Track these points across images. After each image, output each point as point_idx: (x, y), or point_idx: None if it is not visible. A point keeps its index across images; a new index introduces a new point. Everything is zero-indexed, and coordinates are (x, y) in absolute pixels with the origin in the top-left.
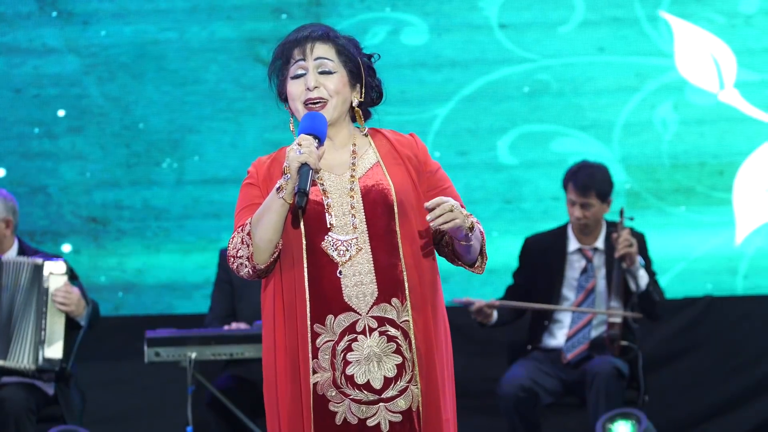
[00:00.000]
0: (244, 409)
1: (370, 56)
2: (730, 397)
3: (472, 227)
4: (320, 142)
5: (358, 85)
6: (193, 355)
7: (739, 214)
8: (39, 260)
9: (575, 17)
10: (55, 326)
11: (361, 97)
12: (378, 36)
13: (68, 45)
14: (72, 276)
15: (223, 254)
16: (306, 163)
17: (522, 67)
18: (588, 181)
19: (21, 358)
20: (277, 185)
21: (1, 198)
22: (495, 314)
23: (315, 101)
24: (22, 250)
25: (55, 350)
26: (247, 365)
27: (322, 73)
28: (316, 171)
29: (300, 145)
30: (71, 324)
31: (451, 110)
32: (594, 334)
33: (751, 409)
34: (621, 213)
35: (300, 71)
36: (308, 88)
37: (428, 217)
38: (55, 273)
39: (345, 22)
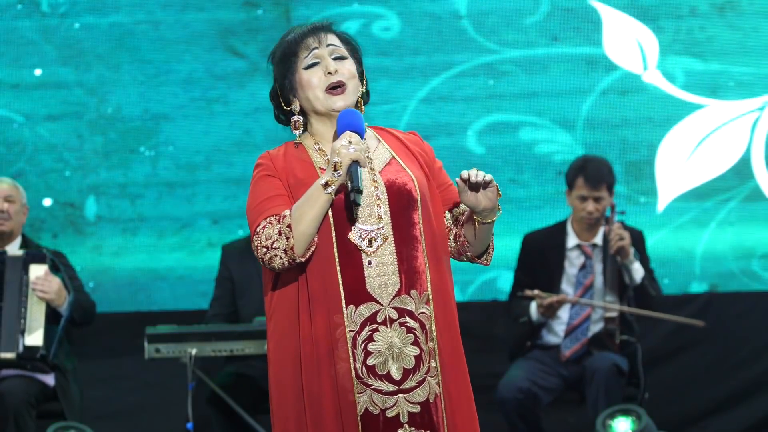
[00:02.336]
0: (245, 405)
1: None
2: (730, 393)
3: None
4: (361, 138)
5: (361, 73)
6: (194, 352)
7: (661, 183)
8: (20, 252)
9: (542, 8)
10: (35, 314)
11: (363, 88)
12: (350, 29)
13: (46, 36)
14: (54, 267)
15: (225, 251)
16: (357, 161)
17: (489, 57)
18: (598, 175)
19: (4, 348)
20: (324, 180)
21: (18, 185)
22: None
23: (336, 85)
24: (25, 243)
25: (35, 338)
26: (247, 361)
27: (336, 58)
28: (365, 167)
29: (350, 142)
30: (55, 314)
31: (419, 102)
32: (592, 330)
33: (751, 406)
34: (612, 208)
35: (315, 60)
36: (330, 72)
37: (469, 176)
38: (36, 263)
39: (315, 17)
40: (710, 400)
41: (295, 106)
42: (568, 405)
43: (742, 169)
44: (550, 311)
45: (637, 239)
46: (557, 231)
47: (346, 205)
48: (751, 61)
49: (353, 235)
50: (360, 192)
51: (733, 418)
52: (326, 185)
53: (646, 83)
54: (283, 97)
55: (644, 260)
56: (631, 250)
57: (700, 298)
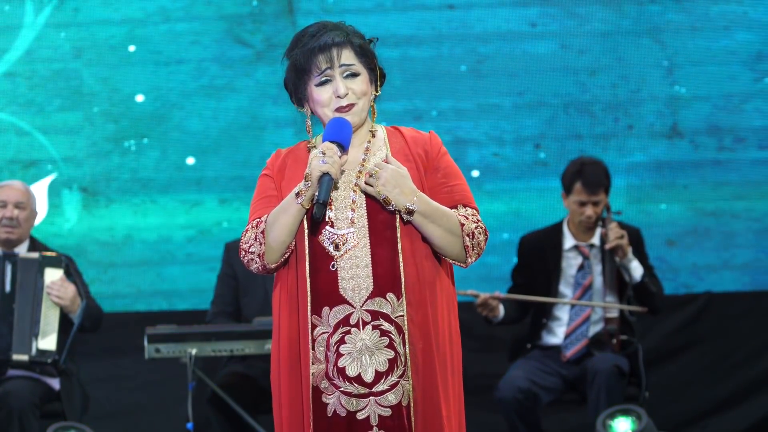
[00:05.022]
0: (245, 405)
1: (369, 41)
2: (731, 393)
3: (411, 212)
4: (344, 150)
5: (374, 79)
6: (194, 352)
7: None
8: (35, 255)
9: None
10: (50, 319)
11: (377, 91)
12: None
13: (60, 30)
14: (68, 272)
15: (228, 248)
16: (327, 173)
17: (466, 43)
18: (597, 179)
19: (17, 350)
20: (297, 189)
21: (29, 189)
22: (501, 309)
23: (346, 107)
24: (33, 245)
25: (48, 342)
26: (247, 361)
27: (348, 76)
28: (337, 181)
29: (324, 153)
30: (66, 320)
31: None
32: (592, 330)
33: (752, 406)
34: (608, 208)
35: (325, 78)
36: (339, 96)
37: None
38: (51, 267)
39: (316, 8)
40: (710, 400)
41: (307, 110)
42: (568, 405)
43: None
44: (486, 309)
45: (635, 237)
46: (553, 232)
47: (311, 215)
48: None
49: (323, 238)
50: (323, 205)
51: (733, 418)
52: (298, 195)
53: None
54: (296, 99)
55: (643, 258)
56: (629, 249)
57: (700, 298)
